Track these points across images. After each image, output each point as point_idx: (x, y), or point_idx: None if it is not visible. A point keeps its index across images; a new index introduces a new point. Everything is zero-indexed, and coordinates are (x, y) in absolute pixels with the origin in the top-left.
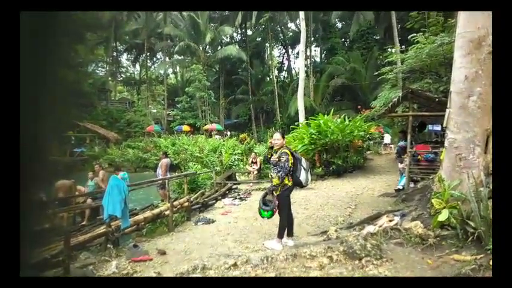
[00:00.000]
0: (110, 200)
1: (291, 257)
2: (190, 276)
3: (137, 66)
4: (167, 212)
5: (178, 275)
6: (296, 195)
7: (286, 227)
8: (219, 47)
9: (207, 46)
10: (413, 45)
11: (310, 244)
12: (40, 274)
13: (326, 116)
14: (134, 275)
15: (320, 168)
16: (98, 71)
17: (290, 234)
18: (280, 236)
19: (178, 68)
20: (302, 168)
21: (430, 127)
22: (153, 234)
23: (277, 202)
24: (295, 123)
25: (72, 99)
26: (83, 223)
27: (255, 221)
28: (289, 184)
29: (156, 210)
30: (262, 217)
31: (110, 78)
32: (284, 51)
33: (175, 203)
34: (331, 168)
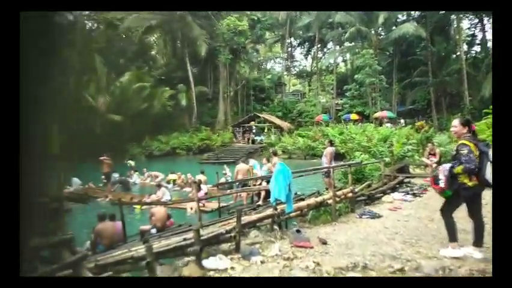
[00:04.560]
0: (276, 184)
1: (476, 272)
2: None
3: (309, 59)
4: (330, 201)
5: (337, 269)
6: None
7: (455, 228)
8: (393, 27)
9: (380, 28)
10: None
11: None
12: (215, 247)
13: None
14: (295, 261)
15: None
16: (275, 67)
17: (478, 243)
18: (451, 239)
19: (348, 55)
20: (489, 163)
21: None
22: (316, 221)
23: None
24: (490, 107)
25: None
26: (259, 203)
27: (430, 222)
28: (469, 184)
29: (319, 198)
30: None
31: (285, 73)
32: (477, 20)
33: (338, 192)
34: None
